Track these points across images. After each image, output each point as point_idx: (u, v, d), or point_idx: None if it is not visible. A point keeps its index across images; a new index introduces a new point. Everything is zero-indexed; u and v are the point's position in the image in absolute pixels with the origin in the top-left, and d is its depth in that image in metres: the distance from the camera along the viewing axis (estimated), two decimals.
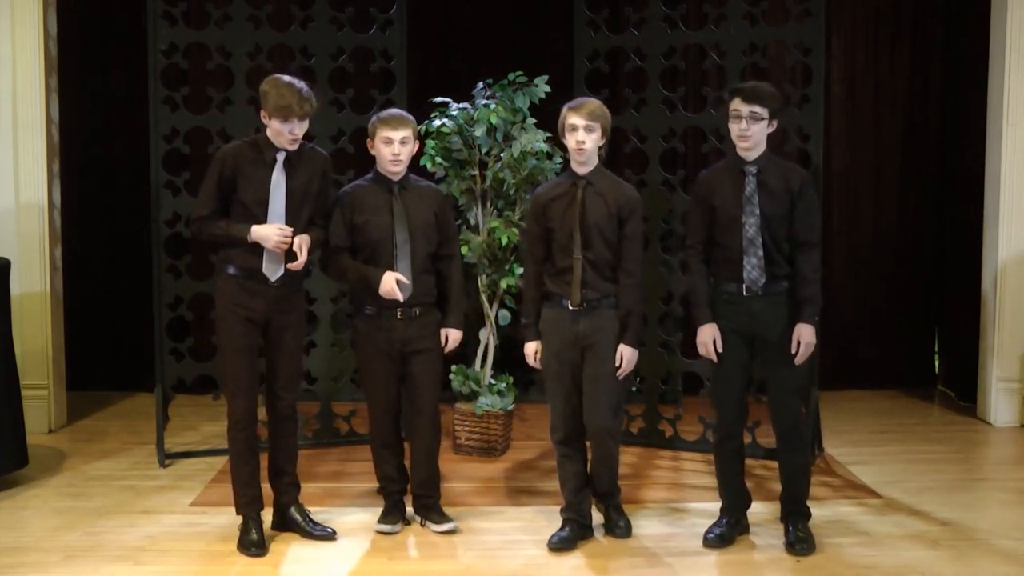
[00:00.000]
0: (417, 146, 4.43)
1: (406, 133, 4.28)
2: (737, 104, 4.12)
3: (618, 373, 4.26)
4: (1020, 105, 6.05)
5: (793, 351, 4.12)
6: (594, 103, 4.29)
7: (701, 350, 4.22)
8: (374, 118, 4.37)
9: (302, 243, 4.14)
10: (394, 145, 4.26)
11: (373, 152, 4.35)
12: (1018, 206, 6.10)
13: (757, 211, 4.12)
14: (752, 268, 4.12)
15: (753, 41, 5.51)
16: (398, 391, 4.42)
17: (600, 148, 4.27)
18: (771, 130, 4.17)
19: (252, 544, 4.22)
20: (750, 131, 4.11)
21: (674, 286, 5.62)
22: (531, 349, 4.35)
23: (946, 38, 6.99)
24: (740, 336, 4.18)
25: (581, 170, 4.27)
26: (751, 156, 4.17)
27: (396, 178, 4.34)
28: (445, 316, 4.42)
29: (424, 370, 4.37)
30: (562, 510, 4.38)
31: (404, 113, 4.40)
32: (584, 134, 4.19)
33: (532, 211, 4.38)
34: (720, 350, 4.17)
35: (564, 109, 4.28)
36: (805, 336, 4.11)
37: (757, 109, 4.09)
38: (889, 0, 7.00)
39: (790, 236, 4.16)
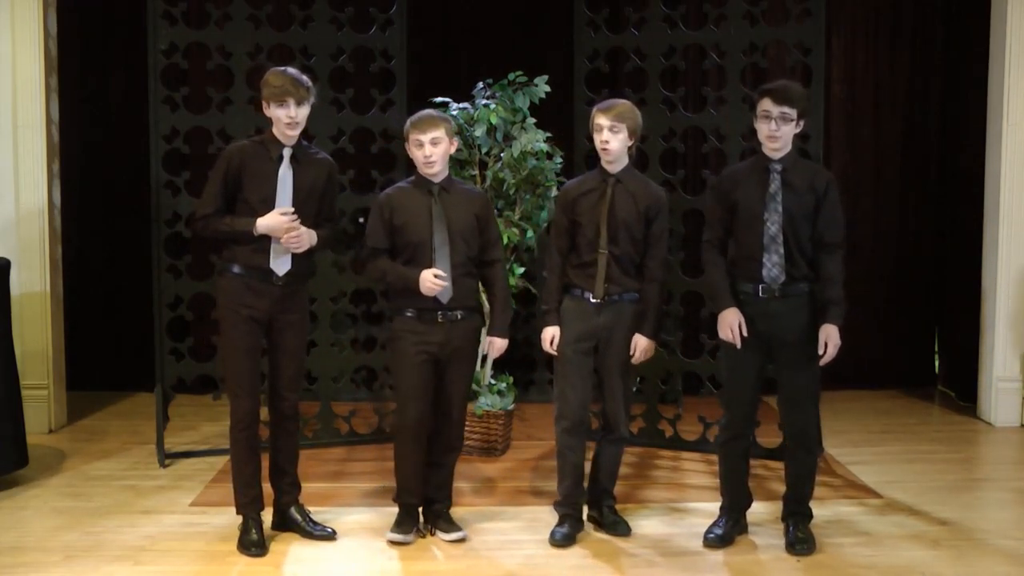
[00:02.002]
0: (455, 145, 4.36)
1: (436, 134, 4.21)
2: (767, 105, 4.10)
3: (632, 360, 4.33)
4: (1020, 105, 6.05)
5: (820, 352, 4.11)
6: (623, 105, 4.35)
7: (725, 334, 4.17)
8: (408, 121, 4.32)
9: (306, 233, 4.15)
10: (425, 147, 4.21)
11: (411, 155, 4.33)
12: (1018, 206, 6.11)
13: (780, 208, 4.10)
14: (772, 266, 4.11)
15: (753, 41, 5.52)
16: (431, 397, 4.31)
17: (629, 148, 4.34)
18: (798, 130, 4.16)
19: (252, 544, 4.22)
20: (780, 132, 4.09)
21: (674, 286, 5.61)
22: (548, 335, 4.38)
23: (946, 38, 7.00)
24: (756, 338, 4.16)
25: (611, 168, 4.35)
26: (777, 155, 4.16)
27: (436, 180, 4.29)
28: (490, 323, 4.35)
29: (458, 376, 4.31)
30: (557, 504, 4.42)
31: (435, 113, 4.34)
32: (609, 134, 4.27)
33: (560, 203, 4.45)
34: (744, 334, 4.13)
35: (594, 109, 4.37)
36: (833, 337, 4.10)
37: (787, 110, 4.08)
38: (889, 0, 7.00)
39: (813, 237, 4.14)
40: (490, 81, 5.66)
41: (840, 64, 6.99)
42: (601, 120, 4.28)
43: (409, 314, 4.25)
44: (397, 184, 4.47)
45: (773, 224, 4.10)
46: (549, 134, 5.61)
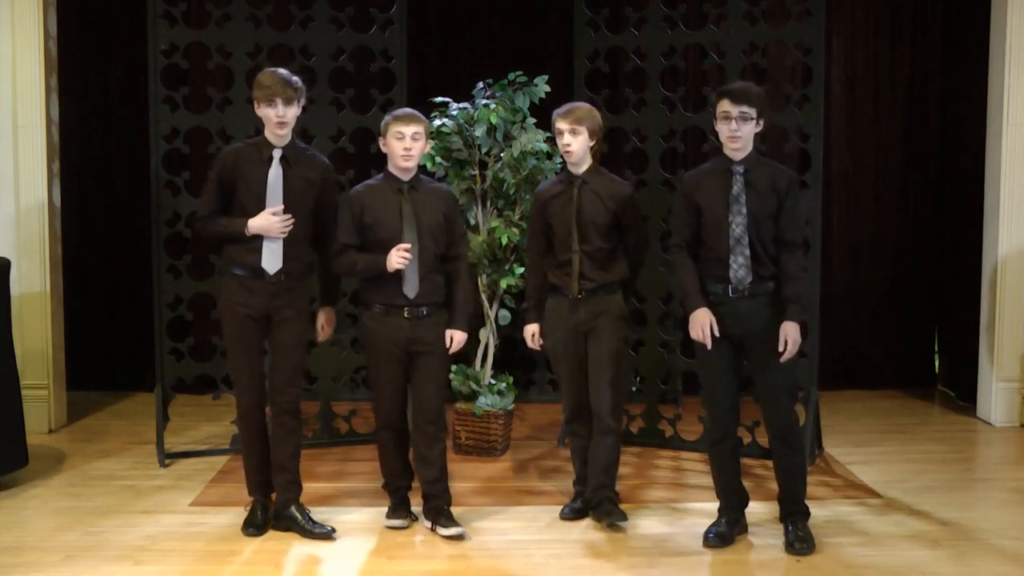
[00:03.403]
0: (428, 146, 4.47)
1: (417, 129, 4.30)
2: (726, 105, 4.12)
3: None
4: (1020, 105, 6.05)
5: (780, 349, 4.11)
6: (581, 108, 4.46)
7: (696, 334, 4.18)
8: (387, 116, 4.39)
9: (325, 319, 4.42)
10: (406, 140, 4.28)
11: (385, 150, 4.36)
12: (1018, 206, 6.11)
13: (744, 210, 4.12)
14: (739, 267, 4.12)
15: (753, 41, 5.52)
16: (404, 389, 4.43)
17: (592, 148, 4.45)
18: (759, 130, 4.18)
19: (251, 525, 4.37)
20: (740, 131, 4.11)
21: (674, 286, 5.61)
22: (529, 331, 4.60)
23: (946, 38, 7.00)
24: (727, 338, 4.17)
25: (576, 170, 4.48)
26: (738, 156, 4.17)
27: (406, 177, 4.35)
28: (450, 317, 4.42)
29: (429, 370, 4.38)
30: (575, 482, 4.66)
31: (416, 112, 4.43)
32: (570, 137, 4.40)
33: (534, 207, 4.63)
34: (716, 333, 4.15)
35: (553, 114, 4.49)
36: (792, 334, 4.10)
37: (746, 109, 4.10)
38: (889, 0, 7.00)
39: (776, 236, 4.16)
40: (490, 81, 5.66)
41: (840, 64, 7.00)
42: (561, 125, 4.41)
43: (377, 310, 4.33)
44: (365, 182, 4.49)
45: (738, 226, 4.12)
46: (549, 134, 5.60)
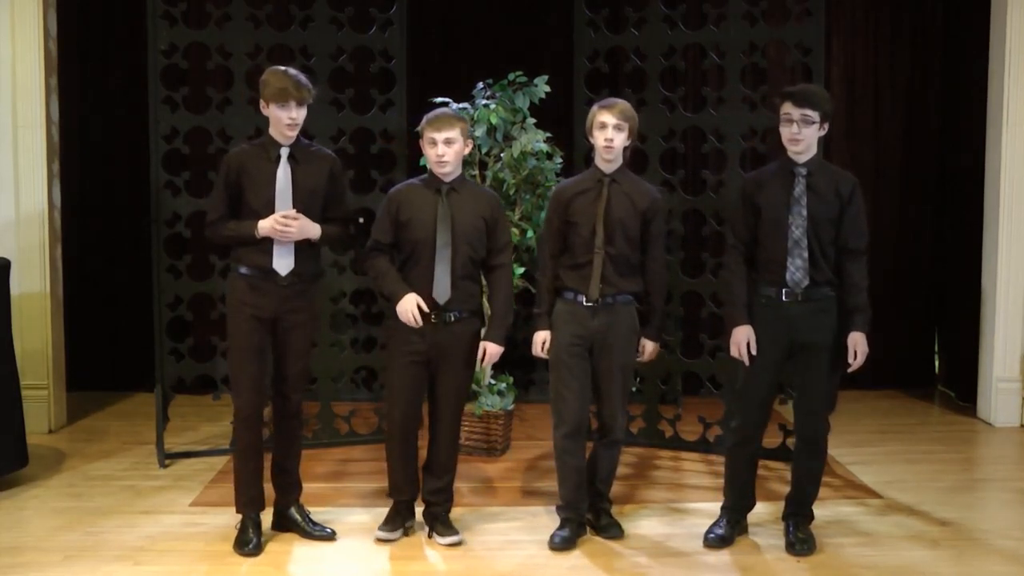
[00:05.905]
0: (470, 146, 4.34)
1: (450, 134, 4.19)
2: (788, 108, 4.10)
3: (638, 360, 4.37)
4: (1020, 105, 6.06)
5: (851, 360, 4.09)
6: (625, 104, 4.35)
7: (733, 351, 4.18)
8: (424, 118, 4.30)
9: (304, 224, 4.15)
10: (438, 146, 4.18)
11: (424, 153, 4.31)
12: (1018, 206, 6.11)
13: (804, 212, 4.09)
14: (796, 270, 4.09)
15: (753, 41, 5.51)
16: (422, 398, 4.32)
17: (626, 148, 4.34)
18: (823, 133, 4.15)
19: (246, 543, 4.23)
20: (801, 134, 4.09)
21: (674, 286, 5.61)
22: (540, 338, 4.37)
23: (946, 38, 7.00)
24: (776, 343, 4.15)
25: (607, 168, 4.33)
26: (802, 159, 4.14)
27: (447, 179, 4.26)
28: (487, 328, 4.32)
29: (450, 378, 4.28)
30: (559, 508, 4.38)
31: (452, 113, 4.33)
32: (613, 132, 4.25)
33: (554, 204, 4.41)
34: (753, 352, 4.14)
35: (595, 107, 4.34)
36: (861, 345, 4.08)
37: (808, 112, 4.07)
38: (889, 0, 7.00)
39: (837, 242, 4.13)
40: (490, 81, 5.66)
41: (840, 64, 7.00)
42: (606, 118, 4.25)
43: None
44: (409, 180, 4.44)
45: (797, 228, 4.09)
46: (549, 134, 5.61)
